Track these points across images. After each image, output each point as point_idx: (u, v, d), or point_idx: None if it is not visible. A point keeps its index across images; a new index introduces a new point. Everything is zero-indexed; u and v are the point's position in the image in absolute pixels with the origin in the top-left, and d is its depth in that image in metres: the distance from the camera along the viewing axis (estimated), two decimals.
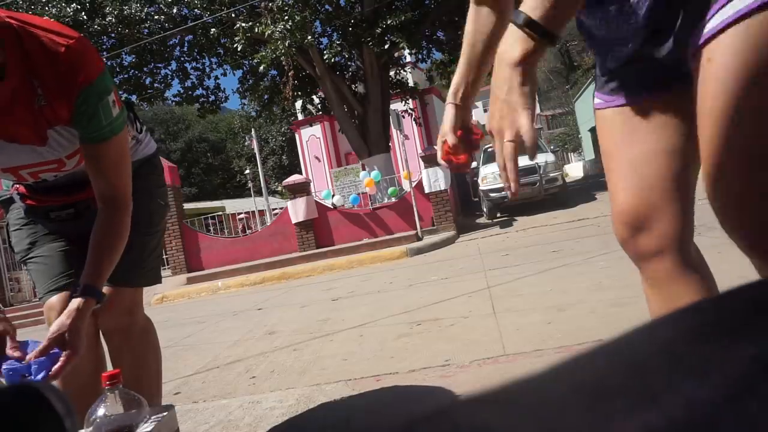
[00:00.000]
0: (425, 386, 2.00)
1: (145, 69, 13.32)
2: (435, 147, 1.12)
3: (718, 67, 0.71)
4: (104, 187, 1.28)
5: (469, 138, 1.06)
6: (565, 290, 3.11)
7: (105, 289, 1.41)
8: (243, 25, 10.25)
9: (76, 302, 1.16)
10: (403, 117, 11.20)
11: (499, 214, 10.32)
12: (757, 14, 0.66)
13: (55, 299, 1.40)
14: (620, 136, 0.96)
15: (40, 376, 1.06)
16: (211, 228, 13.15)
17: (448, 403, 0.17)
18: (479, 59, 1.04)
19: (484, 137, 1.20)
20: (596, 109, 1.02)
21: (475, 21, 1.04)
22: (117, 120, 1.24)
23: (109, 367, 1.56)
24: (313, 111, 14.32)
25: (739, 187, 0.72)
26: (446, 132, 1.04)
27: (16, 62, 1.09)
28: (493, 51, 1.01)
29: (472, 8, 1.05)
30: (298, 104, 14.78)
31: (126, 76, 13.23)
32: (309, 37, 9.65)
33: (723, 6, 0.71)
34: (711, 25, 0.72)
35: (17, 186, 1.48)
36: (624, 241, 0.99)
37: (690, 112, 0.85)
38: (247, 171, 25.63)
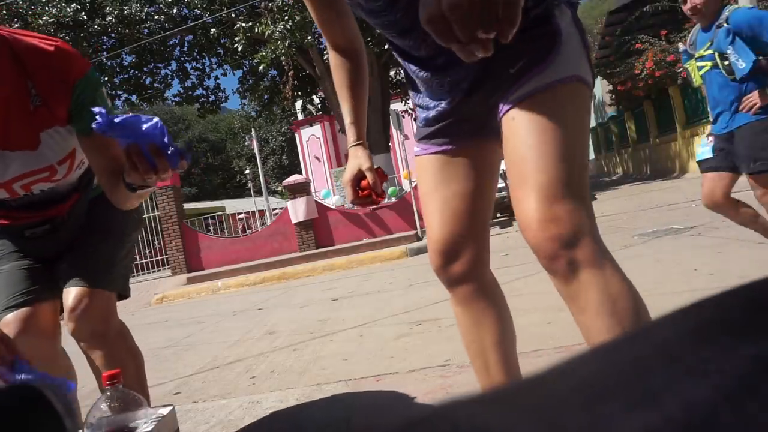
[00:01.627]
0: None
1: (145, 69, 13.34)
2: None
3: (518, 124, 0.96)
4: (112, 165, 1.27)
5: (380, 173, 1.20)
6: None
7: (78, 291, 1.39)
8: (243, 25, 10.26)
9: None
10: (403, 117, 11.20)
11: (499, 214, 10.32)
12: (543, 92, 0.95)
13: (11, 317, 1.35)
14: (437, 179, 1.14)
15: (173, 157, 1.04)
16: (211, 228, 13.16)
17: (448, 404, 0.17)
18: (355, 102, 1.23)
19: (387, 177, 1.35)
20: (416, 155, 1.21)
21: (339, 69, 1.23)
22: (113, 111, 1.27)
23: (87, 377, 1.55)
24: (313, 111, 14.34)
25: (528, 210, 0.91)
26: (367, 169, 1.18)
27: (6, 68, 1.14)
28: (360, 91, 1.23)
29: (331, 55, 1.23)
30: (298, 104, 14.79)
31: (126, 76, 13.24)
32: (309, 37, 9.66)
33: (522, 86, 0.98)
34: (512, 98, 0.98)
35: None
36: (438, 268, 1.16)
37: (488, 161, 1.15)
38: (247, 171, 25.62)
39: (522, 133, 0.94)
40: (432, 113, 1.13)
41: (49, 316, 1.39)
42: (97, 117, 0.99)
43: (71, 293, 1.39)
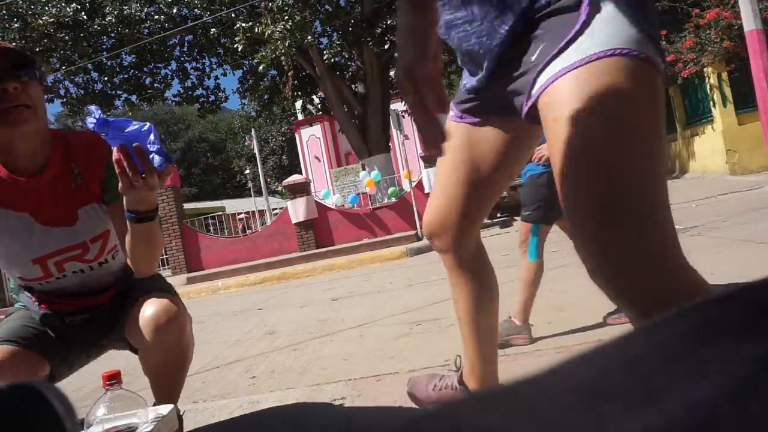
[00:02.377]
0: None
1: (145, 69, 13.33)
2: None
3: (558, 112, 0.75)
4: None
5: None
6: (565, 290, 3.11)
7: (157, 296, 1.47)
8: (243, 25, 10.25)
9: None
10: (403, 117, 11.19)
11: (498, 214, 10.33)
12: (565, 75, 0.75)
13: None
14: (457, 144, 1.12)
15: (157, 159, 1.05)
16: (211, 228, 13.15)
17: (448, 403, 0.17)
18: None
19: None
20: (448, 118, 1.15)
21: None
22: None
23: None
24: (313, 111, 14.33)
25: (588, 228, 0.74)
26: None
27: (59, 154, 1.36)
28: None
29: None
30: (298, 104, 14.79)
31: (126, 76, 13.23)
32: (309, 37, 9.65)
33: (555, 56, 0.78)
34: (550, 73, 0.78)
35: (32, 297, 1.50)
36: (426, 235, 1.28)
37: (518, 141, 1.09)
38: (247, 171, 25.62)
39: (553, 134, 0.77)
40: (468, 84, 1.06)
41: (31, 365, 1.39)
42: (92, 114, 1.02)
43: (152, 302, 1.43)
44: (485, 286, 1.30)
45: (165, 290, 1.53)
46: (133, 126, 1.05)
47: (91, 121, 1.02)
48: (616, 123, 0.71)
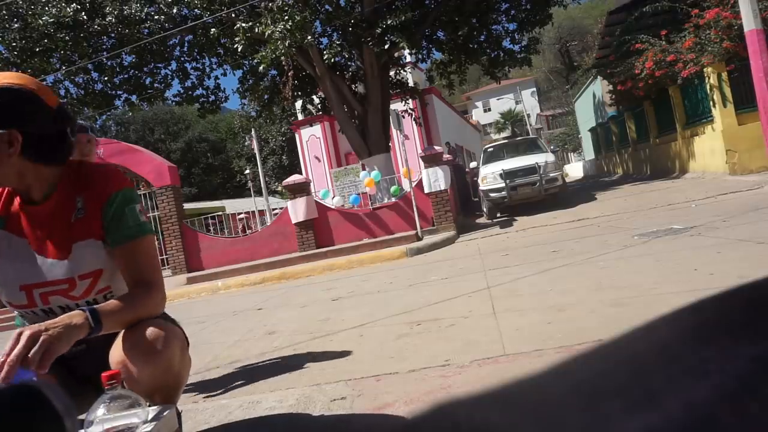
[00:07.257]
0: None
1: (145, 69, 13.31)
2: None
3: None
4: (139, 278, 1.37)
5: None
6: (565, 290, 3.11)
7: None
8: (243, 25, 10.24)
9: (73, 314, 1.17)
10: (403, 117, 11.19)
11: (499, 214, 10.32)
12: None
13: None
14: None
15: None
16: (211, 228, 13.14)
17: (448, 403, 0.17)
18: None
19: None
20: None
21: None
22: (145, 225, 1.42)
23: None
24: (313, 111, 14.31)
25: None
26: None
27: (65, 185, 1.37)
28: None
29: None
30: (298, 104, 14.78)
31: (126, 76, 13.22)
32: (309, 37, 9.64)
33: None
34: None
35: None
36: None
37: None
38: (247, 171, 25.62)
39: None
40: None
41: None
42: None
43: (135, 330, 1.35)
44: None
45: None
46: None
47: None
48: None
